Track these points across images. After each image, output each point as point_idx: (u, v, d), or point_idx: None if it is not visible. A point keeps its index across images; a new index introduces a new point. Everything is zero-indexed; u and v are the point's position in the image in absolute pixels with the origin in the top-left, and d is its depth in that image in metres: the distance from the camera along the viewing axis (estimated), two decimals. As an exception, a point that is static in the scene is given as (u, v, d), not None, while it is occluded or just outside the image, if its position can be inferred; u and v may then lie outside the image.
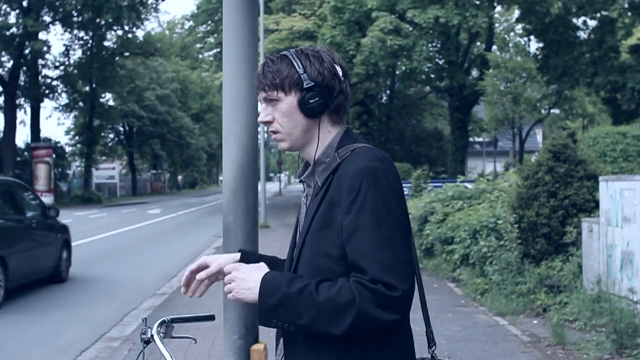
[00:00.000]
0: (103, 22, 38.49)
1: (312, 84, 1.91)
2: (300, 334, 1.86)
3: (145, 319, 2.35)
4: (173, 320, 2.31)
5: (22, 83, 38.58)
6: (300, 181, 2.02)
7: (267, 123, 1.98)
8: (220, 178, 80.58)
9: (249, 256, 2.16)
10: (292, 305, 1.76)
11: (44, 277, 10.65)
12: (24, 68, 38.25)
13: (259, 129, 20.78)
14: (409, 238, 1.84)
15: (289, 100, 1.92)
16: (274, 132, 1.97)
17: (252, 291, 1.84)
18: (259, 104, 2.10)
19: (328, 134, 1.96)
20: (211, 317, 2.40)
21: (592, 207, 8.26)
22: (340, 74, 1.97)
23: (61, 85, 41.48)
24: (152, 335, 2.22)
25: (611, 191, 7.37)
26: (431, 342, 2.05)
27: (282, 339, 1.98)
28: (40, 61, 39.20)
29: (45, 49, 36.66)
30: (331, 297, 1.73)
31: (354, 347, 1.81)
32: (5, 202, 10.02)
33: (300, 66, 1.92)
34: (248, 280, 1.86)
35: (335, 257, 1.81)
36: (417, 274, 2.08)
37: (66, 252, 11.31)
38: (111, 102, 48.48)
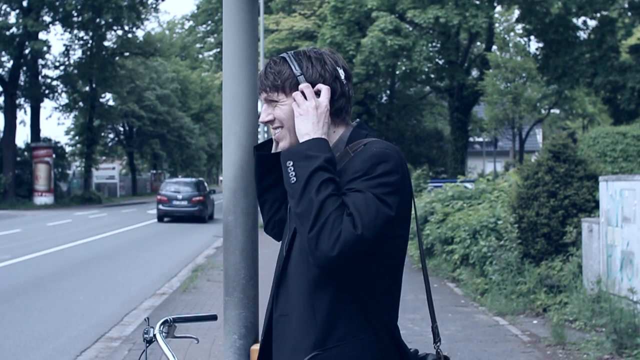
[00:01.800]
0: (103, 22, 38.47)
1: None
2: (294, 315, 1.88)
3: (148, 318, 2.35)
4: (175, 320, 2.31)
5: (22, 83, 38.57)
6: None
7: (268, 123, 2.01)
8: (220, 178, 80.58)
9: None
10: (310, 167, 1.81)
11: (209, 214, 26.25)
12: (24, 68, 38.24)
13: (259, 129, 20.77)
14: (391, 220, 1.84)
15: (290, 102, 1.94)
16: (276, 131, 2.00)
17: (309, 126, 1.88)
18: (259, 103, 2.11)
19: (333, 134, 1.97)
20: (213, 317, 2.41)
21: (592, 207, 8.26)
22: (343, 76, 1.98)
23: (61, 85, 41.46)
24: (154, 335, 2.22)
25: (611, 191, 7.37)
26: (436, 337, 2.06)
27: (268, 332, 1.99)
28: (40, 61, 39.19)
29: (45, 49, 36.65)
30: (325, 197, 1.77)
31: (339, 324, 1.83)
32: (199, 187, 26.23)
33: (298, 68, 1.94)
34: (318, 124, 1.89)
35: None
36: (424, 271, 2.10)
37: (211, 206, 27.18)
38: (111, 102, 48.43)
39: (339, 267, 1.78)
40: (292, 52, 2.01)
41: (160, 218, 25.41)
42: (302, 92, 1.92)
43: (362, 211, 1.76)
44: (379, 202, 1.79)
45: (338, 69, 1.97)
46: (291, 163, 1.84)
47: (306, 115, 1.90)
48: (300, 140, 1.89)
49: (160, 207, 25.24)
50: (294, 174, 1.82)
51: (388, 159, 1.84)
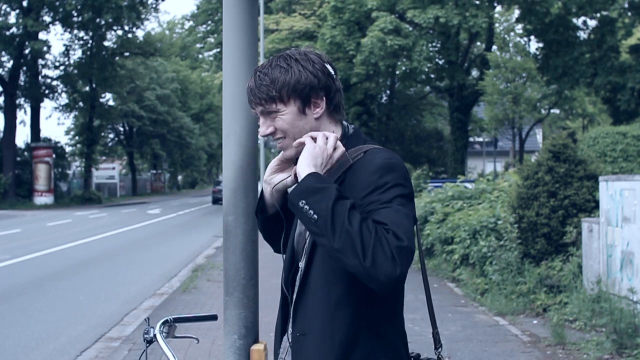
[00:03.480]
0: (103, 22, 38.48)
1: (308, 88, 1.90)
2: (312, 335, 1.87)
3: (148, 318, 2.35)
4: (176, 320, 2.31)
5: (22, 83, 38.59)
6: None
7: (270, 135, 1.96)
8: (220, 178, 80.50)
9: None
10: (330, 199, 1.74)
11: None
12: (24, 68, 38.26)
13: (259, 129, 20.82)
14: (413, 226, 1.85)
15: (290, 110, 1.91)
16: (279, 141, 1.96)
17: (313, 166, 1.83)
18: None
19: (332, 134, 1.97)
20: (214, 317, 2.41)
21: (592, 207, 8.26)
22: (332, 72, 1.96)
23: (61, 85, 41.49)
24: (154, 335, 2.22)
25: (611, 191, 7.37)
26: (437, 343, 2.06)
27: (284, 337, 1.99)
28: (40, 61, 39.22)
29: (45, 49, 36.67)
30: (359, 225, 1.72)
31: (359, 345, 1.83)
32: None
33: (295, 72, 1.90)
34: (322, 163, 1.86)
35: None
36: (424, 275, 2.10)
37: None
38: (111, 102, 48.45)
39: (401, 282, 1.76)
40: (276, 57, 1.96)
41: (215, 201, 39.13)
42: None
43: (398, 223, 1.74)
44: (406, 201, 1.80)
45: (326, 65, 1.96)
46: (304, 202, 1.76)
47: (318, 155, 1.86)
48: (300, 175, 1.83)
49: (216, 195, 39.37)
50: (312, 212, 1.75)
51: (396, 169, 1.83)
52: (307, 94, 1.91)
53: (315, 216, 1.74)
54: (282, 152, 2.01)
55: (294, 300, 1.96)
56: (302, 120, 1.92)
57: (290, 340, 1.96)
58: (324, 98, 1.94)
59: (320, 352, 1.86)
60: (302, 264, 1.95)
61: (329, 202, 1.73)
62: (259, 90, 1.91)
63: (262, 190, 2.10)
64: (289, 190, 1.94)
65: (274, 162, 2.04)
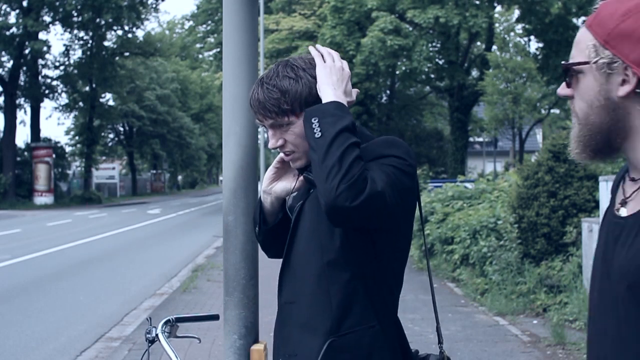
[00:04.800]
0: (103, 22, 38.48)
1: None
2: (303, 301, 1.88)
3: (150, 318, 2.35)
4: (177, 320, 2.31)
5: (22, 83, 38.59)
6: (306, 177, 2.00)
7: (279, 147, 1.93)
8: (220, 178, 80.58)
9: None
10: (338, 126, 1.75)
11: None
12: (24, 68, 38.26)
13: (259, 129, 20.84)
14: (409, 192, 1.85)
15: (301, 122, 1.85)
16: (289, 153, 1.93)
17: (337, 90, 1.83)
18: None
19: None
20: (215, 317, 2.41)
21: (592, 207, 8.26)
22: None
23: (61, 85, 41.49)
24: (156, 335, 2.22)
25: (611, 191, 7.37)
26: (441, 337, 2.07)
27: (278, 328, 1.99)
28: (40, 61, 39.22)
29: (45, 49, 36.68)
30: (353, 159, 1.72)
31: (355, 308, 1.84)
32: None
33: (305, 83, 1.86)
34: (344, 82, 1.86)
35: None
36: (429, 272, 2.15)
37: None
38: (111, 102, 48.43)
39: (352, 222, 1.76)
40: (281, 66, 1.91)
41: None
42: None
43: (384, 178, 1.75)
44: (399, 172, 1.79)
45: None
46: (317, 120, 1.76)
47: (332, 71, 1.85)
48: (322, 94, 1.83)
49: None
50: (319, 129, 1.75)
51: (400, 145, 1.85)
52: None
53: (319, 134, 1.75)
54: (279, 156, 2.00)
55: (281, 267, 1.96)
56: None
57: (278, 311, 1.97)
58: None
59: (317, 316, 1.86)
60: (288, 234, 1.94)
61: (336, 127, 1.74)
62: (270, 103, 1.85)
63: (259, 202, 2.07)
64: (290, 199, 1.92)
65: (270, 172, 2.02)
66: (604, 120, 1.35)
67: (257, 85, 1.90)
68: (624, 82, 1.32)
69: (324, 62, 1.87)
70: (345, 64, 1.90)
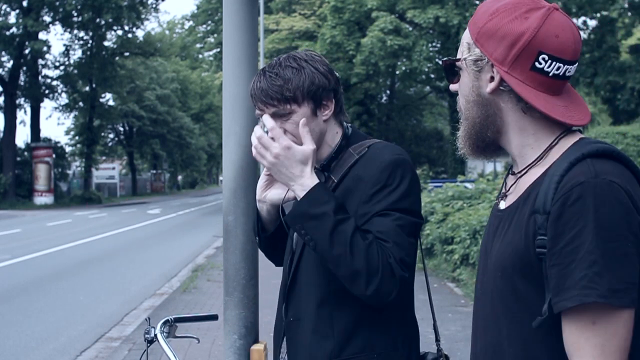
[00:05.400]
0: (103, 22, 38.48)
1: (321, 90, 1.88)
2: (307, 322, 1.87)
3: (149, 318, 2.35)
4: (176, 320, 2.31)
5: (22, 83, 38.59)
6: None
7: None
8: (220, 178, 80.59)
9: None
10: (326, 229, 1.73)
11: None
12: (24, 68, 38.26)
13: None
14: (420, 227, 1.87)
15: (302, 112, 1.86)
16: None
17: (296, 182, 1.80)
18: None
19: (336, 135, 1.96)
20: (214, 317, 2.41)
21: (592, 207, 8.24)
22: (335, 73, 1.97)
23: (61, 85, 41.49)
24: (155, 335, 2.22)
25: (611, 191, 7.37)
26: (438, 335, 2.07)
27: (284, 337, 1.98)
28: (40, 61, 39.21)
29: (45, 49, 36.67)
30: (364, 248, 1.72)
31: (358, 336, 1.83)
32: None
33: (308, 73, 1.86)
34: (295, 168, 1.80)
35: None
36: (425, 272, 2.12)
37: None
38: (111, 102, 48.44)
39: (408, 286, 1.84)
40: (284, 57, 1.90)
41: None
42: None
43: (401, 244, 1.75)
44: (411, 217, 1.80)
45: (328, 66, 1.95)
46: (301, 226, 1.76)
47: (278, 166, 1.81)
48: (293, 192, 1.81)
49: None
50: (309, 237, 1.75)
51: (404, 165, 1.84)
52: (320, 96, 1.88)
53: (313, 243, 1.75)
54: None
55: (288, 284, 1.95)
56: (312, 123, 1.88)
57: (284, 327, 1.96)
58: (333, 100, 1.92)
59: (317, 340, 1.85)
60: (295, 253, 1.94)
61: (325, 232, 1.72)
62: (272, 90, 1.84)
63: (257, 211, 2.06)
64: (285, 207, 1.92)
65: (262, 180, 2.00)
66: (476, 115, 1.39)
67: (260, 74, 1.90)
68: (492, 79, 1.35)
69: (266, 162, 1.83)
70: (281, 137, 1.80)
